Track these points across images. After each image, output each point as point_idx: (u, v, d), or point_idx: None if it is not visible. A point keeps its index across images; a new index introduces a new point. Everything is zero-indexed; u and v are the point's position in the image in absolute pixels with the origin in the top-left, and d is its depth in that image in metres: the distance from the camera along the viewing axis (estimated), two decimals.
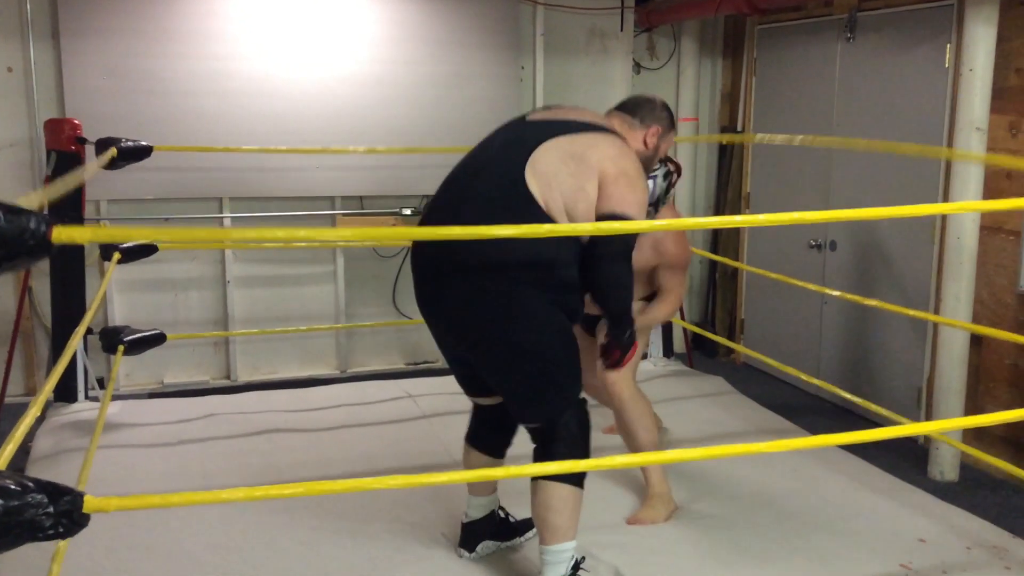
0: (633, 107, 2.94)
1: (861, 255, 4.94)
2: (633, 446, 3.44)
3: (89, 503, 1.53)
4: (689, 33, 5.99)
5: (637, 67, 6.01)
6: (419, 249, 2.75)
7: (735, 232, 6.03)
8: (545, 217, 2.53)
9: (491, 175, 2.62)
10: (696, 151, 6.14)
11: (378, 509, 3.35)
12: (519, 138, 2.68)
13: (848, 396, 3.75)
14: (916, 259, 4.57)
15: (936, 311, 4.32)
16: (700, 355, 5.93)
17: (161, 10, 4.96)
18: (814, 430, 4.31)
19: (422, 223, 2.74)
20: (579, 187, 2.58)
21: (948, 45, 4.31)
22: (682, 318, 5.42)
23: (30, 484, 1.53)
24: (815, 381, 4.01)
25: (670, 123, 2.97)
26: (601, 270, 2.60)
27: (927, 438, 4.27)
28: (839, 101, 5.03)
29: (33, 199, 2.03)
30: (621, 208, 2.59)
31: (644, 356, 4.73)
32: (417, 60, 5.40)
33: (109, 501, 1.53)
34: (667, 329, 5.29)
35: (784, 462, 3.79)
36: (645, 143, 2.89)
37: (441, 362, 5.75)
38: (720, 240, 6.10)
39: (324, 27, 5.23)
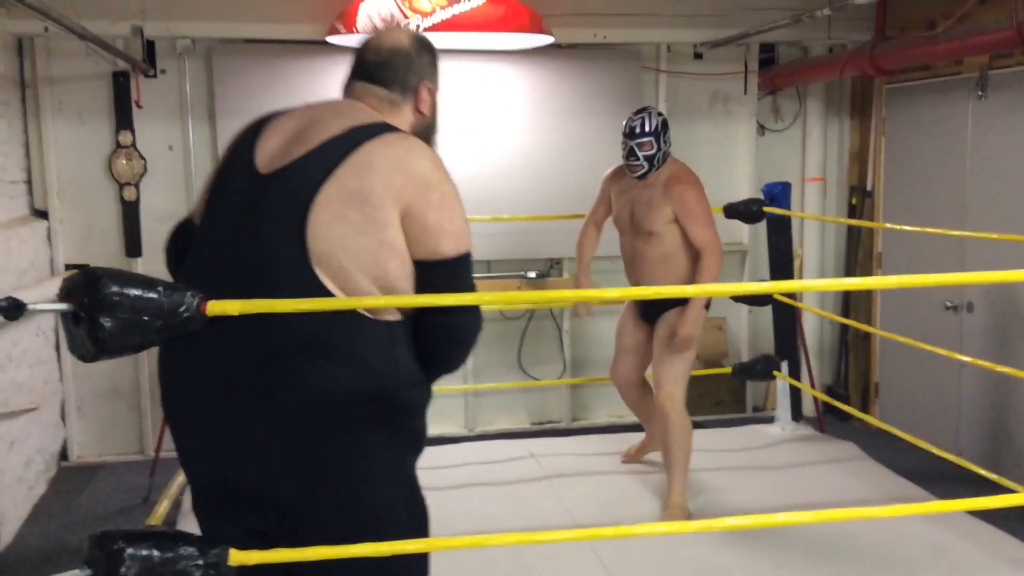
0: (379, 69, 2.08)
1: (1001, 317, 4.77)
2: (669, 461, 3.87)
3: (234, 556, 1.68)
4: (815, 94, 5.97)
5: (761, 128, 6.03)
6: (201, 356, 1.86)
7: (867, 293, 5.90)
8: (367, 322, 1.84)
9: (261, 286, 1.81)
10: (824, 209, 6.07)
11: (494, 566, 3.44)
12: (269, 214, 1.86)
13: (983, 472, 3.62)
14: None
15: None
16: (832, 419, 5.78)
17: (308, 90, 5.33)
18: (951, 499, 4.15)
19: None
20: (378, 243, 1.85)
21: None
22: (811, 384, 5.32)
23: (182, 538, 1.70)
24: (950, 457, 3.88)
25: (432, 59, 2.16)
26: (446, 351, 1.98)
27: None
28: (972, 160, 4.91)
29: None
30: (452, 247, 1.91)
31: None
32: (543, 129, 5.58)
33: (251, 555, 1.68)
34: (795, 392, 5.21)
35: (914, 530, 3.66)
36: (419, 111, 2.13)
37: (566, 422, 5.83)
38: (852, 301, 5.98)
39: (457, 97, 5.49)
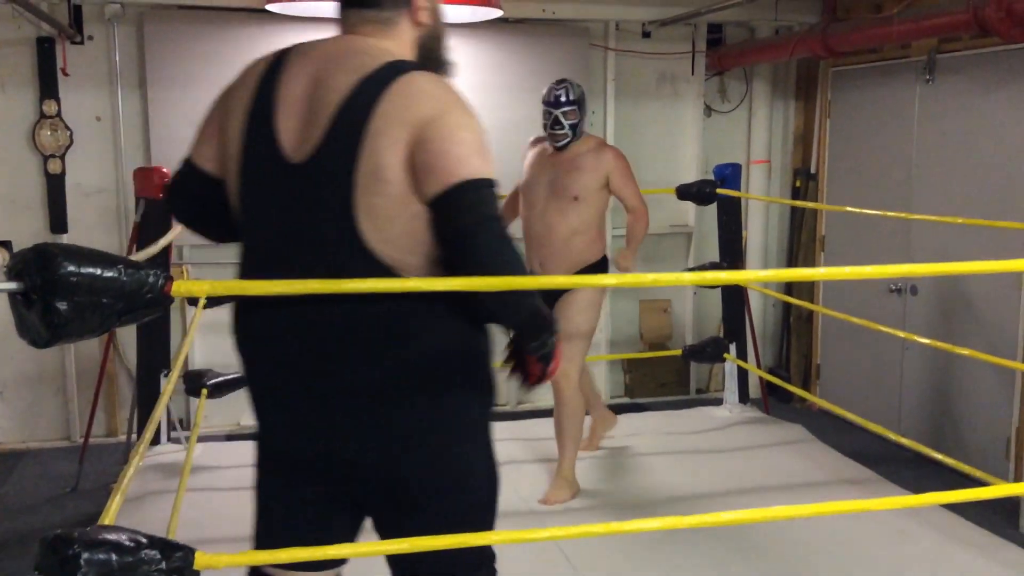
0: None
1: (944, 300, 4.83)
2: (561, 438, 3.92)
3: (200, 559, 1.54)
4: (761, 76, 5.96)
5: (708, 110, 6.00)
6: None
7: None
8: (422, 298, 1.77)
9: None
10: (768, 191, 6.08)
11: None
12: (322, 219, 1.76)
13: (931, 453, 3.66)
14: (1002, 305, 4.45)
15: None
16: (775, 400, 5.82)
17: (244, 59, 5.09)
18: (897, 479, 4.20)
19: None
20: (409, 217, 1.74)
21: None
22: (757, 364, 5.33)
23: (143, 540, 1.56)
24: (899, 438, 3.91)
25: None
26: (479, 259, 1.70)
27: None
28: (918, 144, 4.95)
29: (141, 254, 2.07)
30: (459, 172, 1.70)
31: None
32: (489, 106, 5.45)
33: (219, 558, 1.55)
34: (742, 374, 5.21)
35: (869, 513, 3.68)
36: (417, 22, 1.94)
37: (511, 406, 5.74)
38: (795, 283, 6.01)
39: None
